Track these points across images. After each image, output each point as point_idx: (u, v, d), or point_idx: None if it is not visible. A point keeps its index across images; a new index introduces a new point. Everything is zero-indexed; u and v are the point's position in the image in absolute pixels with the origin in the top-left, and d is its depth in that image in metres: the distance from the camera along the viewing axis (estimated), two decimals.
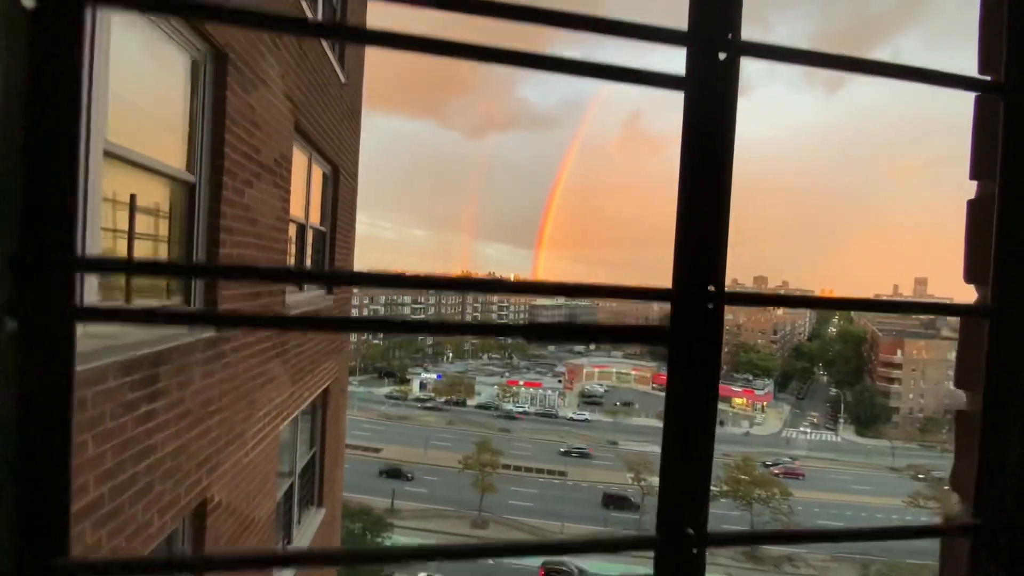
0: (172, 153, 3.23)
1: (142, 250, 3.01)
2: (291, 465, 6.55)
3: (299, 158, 5.81)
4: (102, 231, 2.64)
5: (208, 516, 4.10)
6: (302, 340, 5.85)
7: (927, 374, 76.89)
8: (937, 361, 76.47)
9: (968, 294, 0.95)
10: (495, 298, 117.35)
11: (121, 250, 2.82)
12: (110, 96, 2.52)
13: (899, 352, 78.80)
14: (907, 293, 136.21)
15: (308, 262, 6.40)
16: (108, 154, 2.56)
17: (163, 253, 3.25)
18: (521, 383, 76.58)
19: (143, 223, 2.99)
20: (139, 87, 2.88)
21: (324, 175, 6.81)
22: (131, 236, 2.84)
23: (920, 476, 45.62)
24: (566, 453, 52.38)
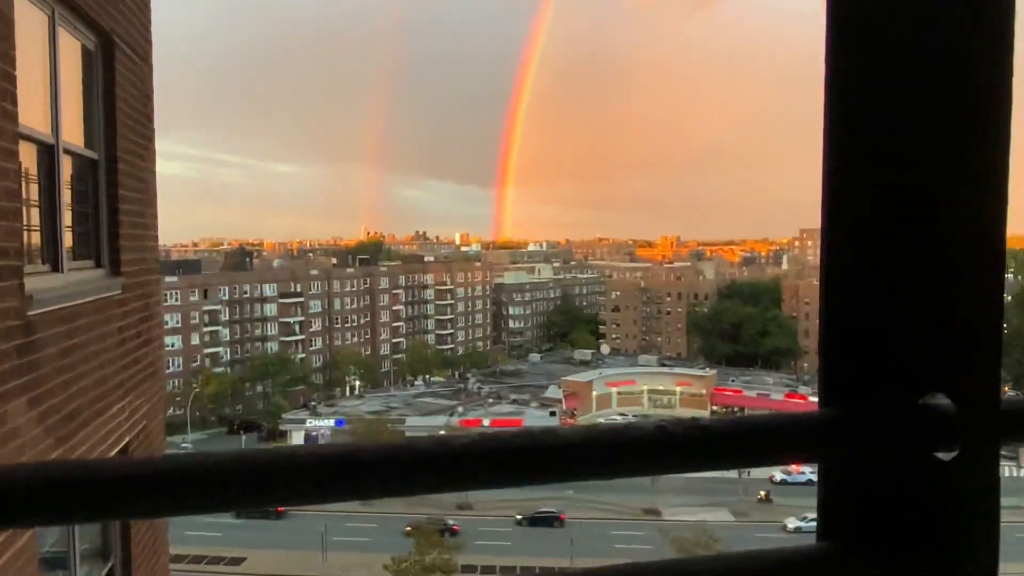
0: None
1: None
2: None
3: (28, 16, 3.01)
4: None
5: None
6: (70, 361, 3.40)
7: None
8: None
9: None
10: (429, 278, 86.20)
11: None
12: None
13: None
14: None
15: (67, 211, 3.72)
16: None
17: None
18: (485, 423, 45.37)
19: None
20: None
21: (85, 51, 3.87)
22: None
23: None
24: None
